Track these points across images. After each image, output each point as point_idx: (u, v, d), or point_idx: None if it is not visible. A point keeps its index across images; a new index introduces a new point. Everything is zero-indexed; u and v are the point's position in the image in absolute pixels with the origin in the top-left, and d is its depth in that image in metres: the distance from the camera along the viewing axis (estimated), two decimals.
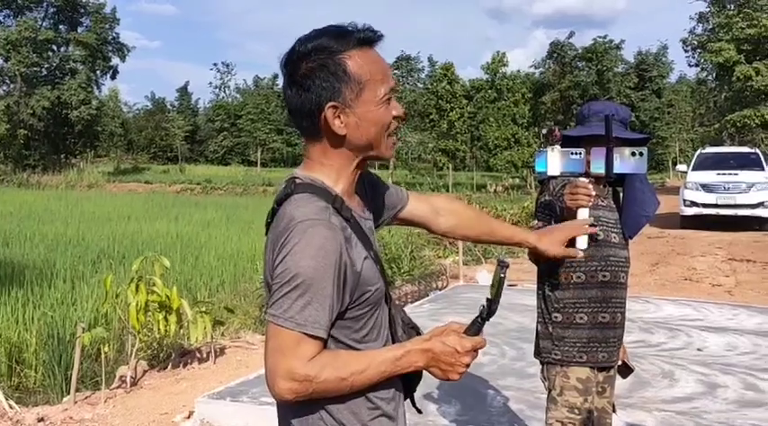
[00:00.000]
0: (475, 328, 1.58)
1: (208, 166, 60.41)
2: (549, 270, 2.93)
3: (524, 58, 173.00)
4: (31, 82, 46.22)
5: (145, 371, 5.87)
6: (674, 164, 39.32)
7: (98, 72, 50.72)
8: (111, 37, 51.01)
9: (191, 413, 4.84)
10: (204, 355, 6.22)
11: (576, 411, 2.88)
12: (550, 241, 2.08)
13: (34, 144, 47.51)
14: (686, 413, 4.73)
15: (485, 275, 10.14)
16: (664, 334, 6.88)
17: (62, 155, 48.38)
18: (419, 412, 1.80)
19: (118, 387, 5.53)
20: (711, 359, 6.08)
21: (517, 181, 39.03)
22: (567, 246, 2.19)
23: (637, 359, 3.66)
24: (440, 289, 9.49)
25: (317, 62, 1.53)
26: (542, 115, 46.83)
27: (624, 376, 3.22)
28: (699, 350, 6.38)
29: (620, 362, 3.11)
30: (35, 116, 45.19)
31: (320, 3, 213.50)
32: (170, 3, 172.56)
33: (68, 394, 5.26)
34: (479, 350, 1.58)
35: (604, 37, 47.29)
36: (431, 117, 41.45)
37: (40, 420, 4.83)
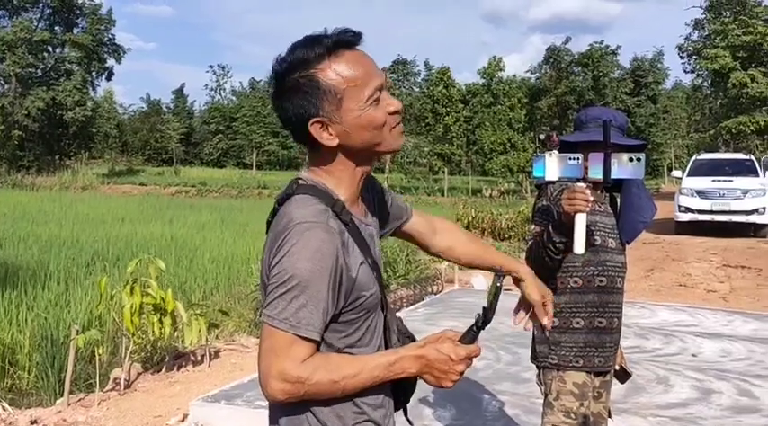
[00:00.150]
0: (470, 336, 1.57)
1: (203, 169, 60.23)
2: (546, 275, 2.93)
3: (521, 63, 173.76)
4: (26, 83, 46.07)
5: (139, 374, 5.85)
6: (670, 169, 39.39)
7: (93, 73, 50.55)
8: (106, 38, 50.87)
9: (185, 416, 4.82)
10: (199, 358, 6.21)
11: (573, 415, 2.88)
12: (537, 285, 1.99)
13: (29, 145, 47.34)
14: (681, 419, 4.73)
15: (480, 279, 10.14)
16: (659, 340, 6.89)
17: (56, 157, 48.21)
18: (410, 424, 1.79)
19: (112, 390, 5.51)
20: (706, 364, 6.08)
21: (512, 185, 39.02)
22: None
23: (632, 365, 3.65)
24: (435, 294, 9.48)
25: (291, 82, 1.53)
26: (538, 120, 46.91)
27: (622, 381, 3.23)
28: (693, 355, 6.39)
29: (617, 367, 3.11)
30: (30, 117, 45.04)
31: (317, 5, 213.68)
32: (166, 4, 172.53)
33: (62, 396, 5.23)
34: (474, 358, 1.58)
35: (600, 42, 47.59)
36: (427, 121, 41.48)
37: (33, 422, 4.81)
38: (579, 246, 2.54)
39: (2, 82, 47.01)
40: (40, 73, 48.26)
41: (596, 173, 2.52)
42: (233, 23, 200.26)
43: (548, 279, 2.93)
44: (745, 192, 17.29)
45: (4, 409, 5.01)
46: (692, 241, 16.73)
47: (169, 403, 5.17)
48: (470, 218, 16.24)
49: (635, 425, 4.61)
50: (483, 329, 1.59)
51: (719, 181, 17.78)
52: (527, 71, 49.81)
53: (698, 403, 5.07)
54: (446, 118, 40.52)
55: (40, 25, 48.82)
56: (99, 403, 5.12)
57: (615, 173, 2.52)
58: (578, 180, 2.57)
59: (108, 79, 53.18)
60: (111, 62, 51.72)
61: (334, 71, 1.51)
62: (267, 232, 1.61)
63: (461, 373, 1.55)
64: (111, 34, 51.39)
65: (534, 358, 3.02)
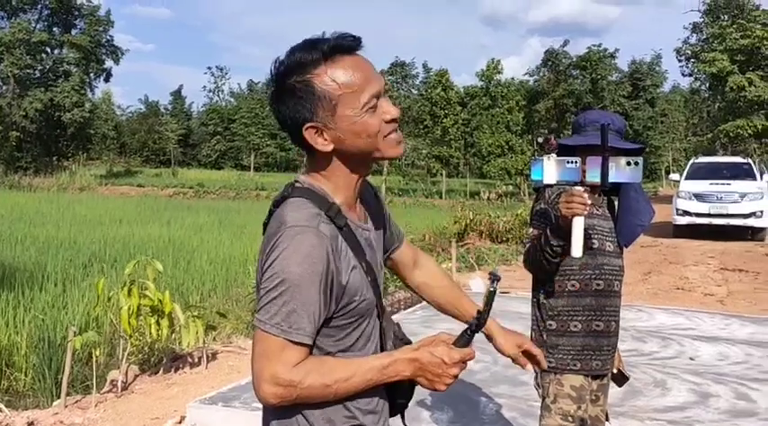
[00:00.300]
0: (464, 340, 1.57)
1: (201, 170, 60.25)
2: (544, 278, 2.94)
3: (519, 66, 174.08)
4: (23, 84, 46.00)
5: (136, 376, 5.84)
6: (667, 173, 39.48)
7: (91, 74, 50.47)
8: (105, 39, 50.80)
9: (182, 419, 4.82)
10: (196, 360, 6.20)
11: (570, 418, 2.88)
12: (510, 339, 1.92)
13: (26, 146, 47.26)
14: (678, 423, 4.73)
15: (478, 282, 10.14)
16: (656, 343, 6.89)
17: (54, 158, 48.14)
18: None
19: (109, 392, 5.50)
20: (703, 368, 6.09)
21: (510, 188, 39.01)
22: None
23: (629, 368, 3.65)
24: None
25: (288, 86, 1.53)
26: (536, 123, 46.93)
27: (620, 384, 3.23)
28: (691, 359, 6.40)
29: (615, 370, 3.11)
30: (27, 118, 44.97)
31: (315, 7, 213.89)
32: (164, 6, 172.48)
33: (59, 397, 5.23)
34: (469, 362, 1.58)
35: (599, 45, 47.47)
36: (425, 123, 41.47)
37: (30, 423, 4.81)
38: (577, 250, 2.55)
39: (0, 83, 46.97)
40: (38, 74, 48.21)
41: (594, 176, 2.53)
42: (231, 25, 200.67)
43: (545, 282, 2.94)
44: (743, 196, 17.31)
45: (0, 410, 5.00)
46: (690, 244, 16.75)
47: (166, 405, 5.17)
48: (468, 221, 16.23)
49: None
50: (477, 332, 1.60)
51: (717, 184, 17.80)
52: (525, 74, 50.06)
53: (695, 407, 5.07)
54: (444, 120, 40.52)
55: (38, 26, 48.77)
56: (96, 405, 5.11)
57: (613, 177, 2.53)
58: (576, 183, 2.57)
59: (106, 80, 53.17)
60: (109, 63, 51.69)
61: (330, 77, 1.50)
62: (263, 234, 1.62)
63: (455, 376, 1.55)
64: (110, 35, 51.37)
65: None
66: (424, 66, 53.39)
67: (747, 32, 34.66)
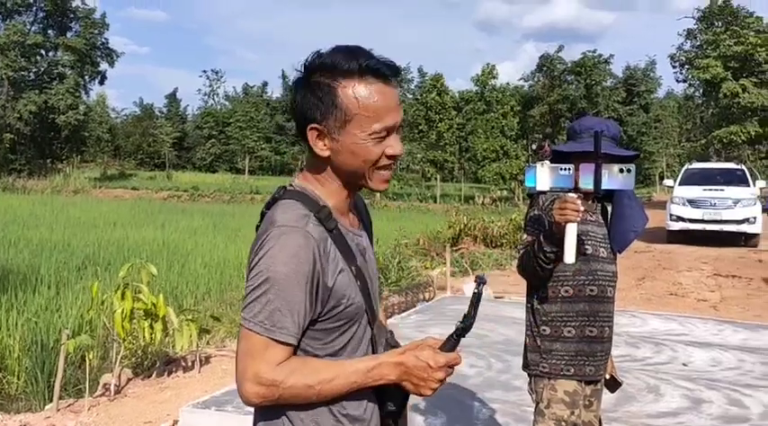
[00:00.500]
0: (450, 344, 1.57)
1: (195, 173, 60.18)
2: (537, 283, 2.94)
3: (514, 71, 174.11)
4: (18, 86, 45.91)
5: (129, 379, 5.82)
6: (661, 178, 39.50)
7: (86, 77, 50.40)
8: (100, 42, 50.74)
9: (175, 422, 4.81)
10: (189, 364, 6.19)
11: (563, 424, 2.89)
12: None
13: (20, 148, 47.17)
14: None
15: (472, 287, 10.14)
16: (649, 349, 6.91)
17: (48, 160, 48.06)
18: None
19: (101, 395, 5.49)
20: (696, 374, 6.10)
21: (505, 193, 39.13)
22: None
23: (622, 374, 3.67)
24: (427, 301, 9.48)
25: (314, 82, 1.53)
26: (531, 128, 47.06)
27: (612, 390, 3.24)
28: (684, 364, 6.41)
29: (607, 376, 3.12)
30: (22, 120, 44.88)
31: (311, 11, 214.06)
32: (160, 9, 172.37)
33: (51, 401, 5.21)
34: (458, 366, 1.57)
35: (593, 51, 47.64)
36: (420, 127, 41.52)
37: None
38: (570, 256, 2.56)
39: None
40: (32, 76, 48.13)
41: (587, 183, 2.54)
42: (227, 28, 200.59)
43: (539, 287, 2.95)
44: (737, 202, 17.37)
45: None
46: (684, 250, 16.79)
47: (159, 409, 5.15)
48: (462, 225, 16.26)
49: None
50: (463, 336, 1.59)
51: (711, 190, 17.86)
52: (520, 79, 50.05)
53: (688, 413, 5.08)
54: (439, 125, 40.58)
55: (33, 28, 48.69)
56: (89, 409, 5.10)
57: (606, 184, 2.54)
58: (570, 190, 2.59)
59: (101, 83, 53.07)
60: (104, 66, 51.63)
61: (355, 93, 1.51)
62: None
63: (441, 381, 1.54)
64: (105, 38, 51.34)
65: (525, 366, 3.03)
66: (420, 70, 53.69)
67: (741, 39, 34.86)
